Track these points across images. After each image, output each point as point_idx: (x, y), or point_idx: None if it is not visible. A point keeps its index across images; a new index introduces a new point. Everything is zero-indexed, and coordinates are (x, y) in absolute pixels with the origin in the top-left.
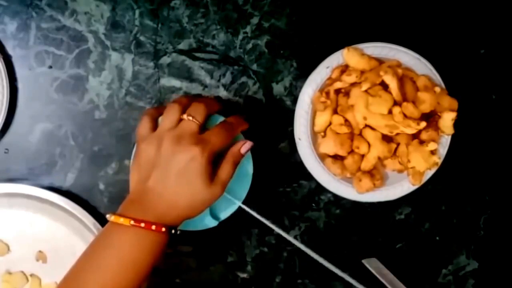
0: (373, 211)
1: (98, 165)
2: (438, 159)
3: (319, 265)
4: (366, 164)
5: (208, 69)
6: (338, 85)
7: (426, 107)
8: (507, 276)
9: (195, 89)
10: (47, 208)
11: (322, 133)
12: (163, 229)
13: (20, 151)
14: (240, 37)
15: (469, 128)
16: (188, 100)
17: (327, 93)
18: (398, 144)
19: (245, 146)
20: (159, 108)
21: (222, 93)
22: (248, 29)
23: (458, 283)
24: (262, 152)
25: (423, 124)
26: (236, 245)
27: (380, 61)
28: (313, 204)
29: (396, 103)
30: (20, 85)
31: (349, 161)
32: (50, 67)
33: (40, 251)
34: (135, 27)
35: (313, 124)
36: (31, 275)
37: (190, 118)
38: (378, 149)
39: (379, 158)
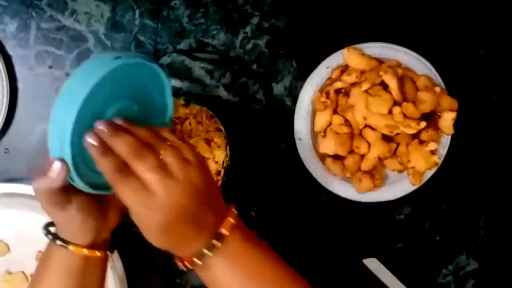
0: (373, 211)
1: None
2: (438, 159)
3: (320, 264)
4: (366, 164)
5: (208, 69)
6: (338, 85)
7: (426, 107)
8: (507, 276)
9: (195, 89)
10: None
11: (322, 133)
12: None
13: (20, 151)
14: (240, 37)
15: (469, 128)
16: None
17: (327, 93)
18: (398, 144)
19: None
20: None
21: (222, 93)
22: (248, 29)
23: (458, 283)
24: (262, 152)
25: (423, 124)
26: None
27: (380, 61)
28: (313, 204)
29: (396, 103)
30: (20, 85)
31: (349, 161)
32: (50, 67)
33: (40, 251)
34: (135, 27)
35: (313, 124)
36: (31, 275)
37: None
38: (378, 149)
39: (379, 158)
